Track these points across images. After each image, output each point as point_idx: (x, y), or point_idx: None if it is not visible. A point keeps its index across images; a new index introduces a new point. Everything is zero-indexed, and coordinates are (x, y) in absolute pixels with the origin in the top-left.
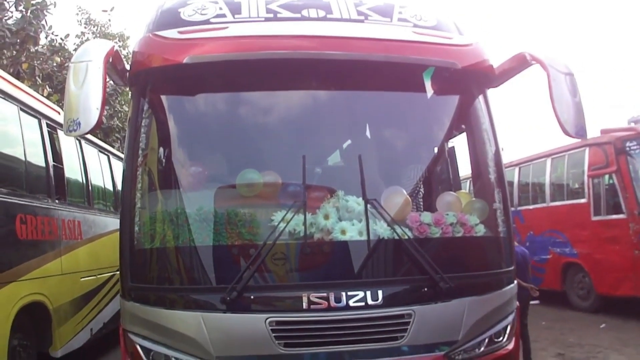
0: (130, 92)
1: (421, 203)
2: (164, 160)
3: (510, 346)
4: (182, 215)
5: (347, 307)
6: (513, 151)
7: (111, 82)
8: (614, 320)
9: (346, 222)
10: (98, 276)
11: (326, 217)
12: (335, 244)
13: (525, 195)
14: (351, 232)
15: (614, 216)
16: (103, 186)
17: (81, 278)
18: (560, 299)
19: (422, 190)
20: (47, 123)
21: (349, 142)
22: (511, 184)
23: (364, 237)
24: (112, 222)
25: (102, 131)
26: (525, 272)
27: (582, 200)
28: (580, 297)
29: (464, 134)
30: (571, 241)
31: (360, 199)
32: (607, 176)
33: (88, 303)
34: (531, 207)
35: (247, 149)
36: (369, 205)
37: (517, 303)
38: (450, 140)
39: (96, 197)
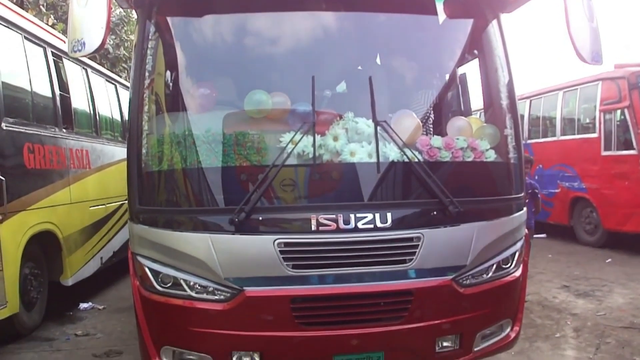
0: (135, 16)
1: (431, 128)
2: (171, 84)
3: (518, 273)
4: (190, 138)
5: (356, 229)
6: (524, 84)
7: (117, 9)
8: (620, 256)
9: (355, 144)
10: (107, 205)
11: (335, 138)
12: (344, 166)
13: (536, 129)
14: (360, 154)
15: (625, 152)
16: (111, 116)
17: (90, 207)
18: (567, 233)
19: (432, 115)
20: (52, 52)
21: (358, 66)
22: (522, 117)
23: (374, 160)
24: (120, 152)
25: (108, 61)
26: (530, 206)
27: (593, 135)
28: (587, 231)
29: (477, 61)
30: (580, 176)
31: (370, 121)
32: (619, 111)
33: (97, 232)
34: (541, 140)
35: (255, 71)
36: (378, 128)
37: (527, 230)
38: (462, 67)
39: (104, 126)
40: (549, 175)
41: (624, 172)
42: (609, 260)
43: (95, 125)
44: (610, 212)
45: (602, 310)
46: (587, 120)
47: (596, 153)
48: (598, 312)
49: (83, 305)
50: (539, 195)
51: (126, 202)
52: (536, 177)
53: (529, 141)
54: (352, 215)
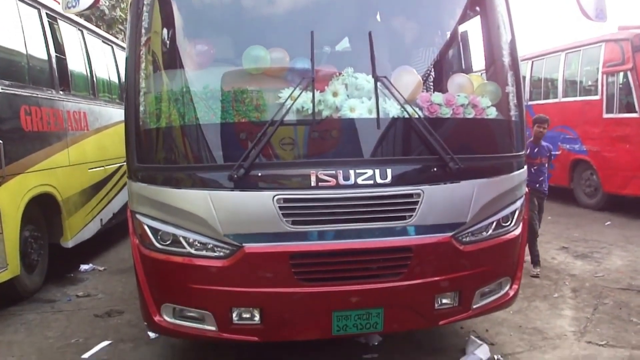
0: None
1: (432, 85)
2: (167, 42)
3: (517, 231)
4: (188, 94)
5: (355, 185)
6: (526, 46)
7: None
8: (619, 219)
9: (355, 99)
10: (106, 167)
11: (335, 94)
12: (343, 121)
13: (537, 90)
14: (360, 109)
15: (626, 115)
16: (108, 78)
17: (89, 169)
18: (567, 195)
19: (433, 72)
20: (46, 13)
21: (358, 23)
22: (523, 78)
23: (373, 115)
24: (118, 114)
25: (105, 23)
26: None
27: (595, 98)
28: (587, 194)
29: (478, 18)
30: (581, 138)
31: (370, 76)
32: (622, 74)
33: (97, 194)
34: (542, 102)
35: (253, 26)
36: (379, 83)
37: (527, 189)
38: (464, 25)
39: (101, 88)
40: (549, 137)
41: (626, 135)
42: (609, 223)
43: (92, 87)
44: (611, 175)
45: (601, 272)
46: (589, 83)
47: (598, 116)
48: (596, 274)
49: (84, 267)
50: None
51: (125, 164)
52: None
53: (530, 102)
54: (351, 171)
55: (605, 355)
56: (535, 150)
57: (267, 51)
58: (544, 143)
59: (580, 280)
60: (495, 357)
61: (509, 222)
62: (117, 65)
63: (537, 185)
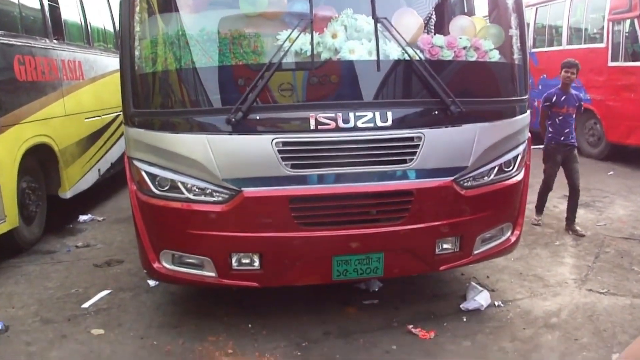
0: None
1: (433, 27)
2: None
3: (519, 177)
4: (184, 38)
5: (355, 128)
6: None
7: None
8: (622, 168)
9: (355, 41)
10: (102, 117)
11: (334, 36)
12: (343, 63)
13: (541, 38)
14: (360, 51)
15: (632, 63)
16: (103, 27)
17: (85, 119)
18: None
19: (435, 14)
20: None
21: None
22: (527, 25)
23: (374, 57)
24: (114, 63)
25: None
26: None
27: (600, 45)
28: (590, 143)
29: None
30: (585, 87)
31: (370, 17)
32: (628, 21)
33: (94, 144)
34: (546, 49)
35: None
36: (379, 25)
37: (529, 134)
38: None
39: (96, 37)
40: (553, 85)
41: (631, 84)
42: (611, 172)
43: (87, 36)
44: (614, 125)
45: (602, 221)
46: (595, 30)
47: (603, 64)
48: (598, 223)
49: (82, 218)
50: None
51: (121, 113)
52: (540, 87)
53: (533, 50)
54: (351, 114)
55: (606, 303)
56: (563, 99)
57: None
58: (573, 91)
59: (582, 229)
60: (496, 303)
61: (511, 167)
62: (112, 14)
63: (562, 139)
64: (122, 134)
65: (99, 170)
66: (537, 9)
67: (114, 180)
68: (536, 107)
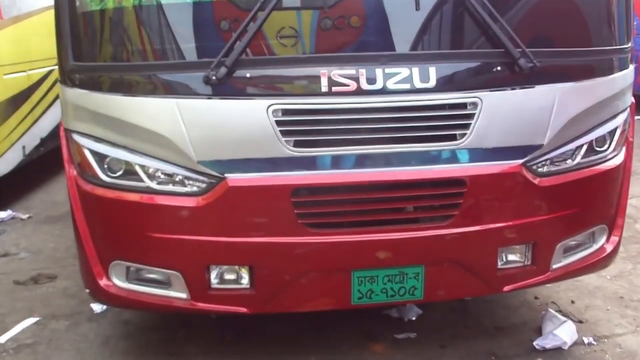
0: None
1: None
2: None
3: (619, 160)
4: None
5: (385, 91)
6: None
7: None
8: None
9: None
10: (29, 73)
11: None
12: (367, 0)
13: None
14: None
15: None
16: None
17: (4, 75)
18: None
19: None
20: None
21: None
22: None
23: None
24: None
25: None
26: None
27: None
28: None
29: None
30: None
31: None
32: None
33: (16, 111)
34: None
35: None
36: None
37: (633, 99)
38: None
39: None
40: None
41: None
42: None
43: None
44: None
45: None
46: None
47: None
48: None
49: (0, 215)
50: None
51: (57, 68)
52: None
53: None
54: (379, 71)
55: None
56: None
57: None
58: None
59: None
60: (585, 340)
61: (606, 145)
62: None
63: None
64: (56, 98)
65: (24, 147)
66: None
67: (45, 162)
68: None
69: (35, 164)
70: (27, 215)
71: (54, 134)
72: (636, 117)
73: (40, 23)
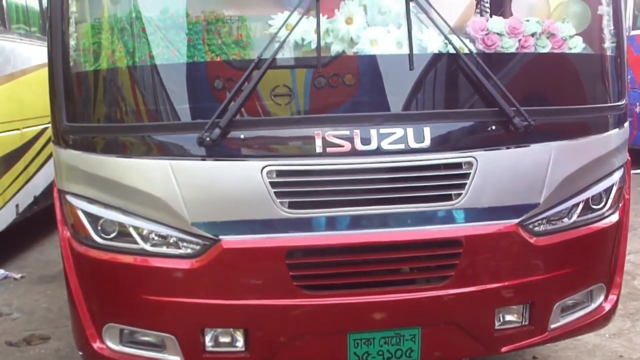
0: None
1: (488, 4)
2: None
3: (615, 217)
4: (139, 22)
5: (379, 152)
6: None
7: None
8: None
9: (378, 28)
10: (23, 131)
11: (349, 21)
12: (361, 60)
13: None
14: (385, 42)
15: None
16: (24, 1)
17: None
18: None
19: None
20: None
21: None
22: None
23: (405, 51)
24: (40, 54)
25: None
26: None
27: None
28: None
29: None
30: None
31: None
32: None
33: (10, 169)
34: None
35: None
36: (412, 4)
37: (628, 156)
38: None
39: (15, 16)
40: None
41: None
42: None
43: (0, 14)
44: None
45: None
46: None
47: None
48: None
49: None
50: None
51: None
52: None
53: (633, 32)
54: (373, 131)
55: None
56: None
57: None
58: None
59: None
60: None
61: (603, 203)
62: None
63: None
64: (50, 156)
65: (17, 206)
66: None
67: (38, 221)
68: (637, 115)
69: (28, 222)
70: (20, 275)
71: (48, 191)
72: (634, 172)
73: (35, 80)
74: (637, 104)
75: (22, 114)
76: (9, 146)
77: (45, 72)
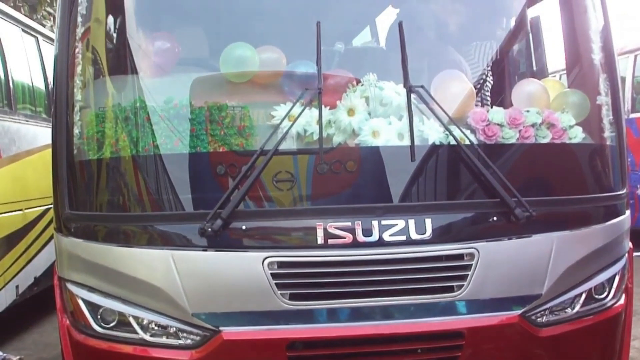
0: None
1: (489, 95)
2: (114, 34)
3: (619, 307)
4: (143, 112)
5: (381, 243)
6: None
7: None
8: None
9: (380, 119)
10: (25, 211)
11: (351, 112)
12: (363, 151)
13: None
14: (387, 134)
15: None
16: (30, 82)
17: (1, 214)
18: None
19: (490, 77)
20: None
21: (384, 11)
22: (622, 80)
23: (406, 142)
24: (45, 134)
25: (26, 4)
26: None
27: None
28: None
29: None
30: None
31: (401, 86)
32: None
33: (11, 250)
34: None
35: (235, 15)
36: (413, 96)
37: (630, 244)
38: (534, 7)
39: (21, 97)
40: None
41: None
42: None
43: (7, 95)
44: None
45: None
46: None
47: None
48: None
49: None
50: None
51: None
52: None
53: (632, 115)
54: (375, 223)
55: None
56: None
57: (255, 50)
58: None
59: None
60: None
61: (606, 293)
62: (43, 64)
63: None
64: (52, 237)
65: (17, 287)
66: (636, 56)
67: (38, 302)
68: (639, 197)
69: (28, 303)
70: (17, 358)
71: (49, 272)
72: (635, 254)
73: (39, 161)
74: (638, 186)
75: (25, 194)
76: (11, 227)
77: (49, 153)
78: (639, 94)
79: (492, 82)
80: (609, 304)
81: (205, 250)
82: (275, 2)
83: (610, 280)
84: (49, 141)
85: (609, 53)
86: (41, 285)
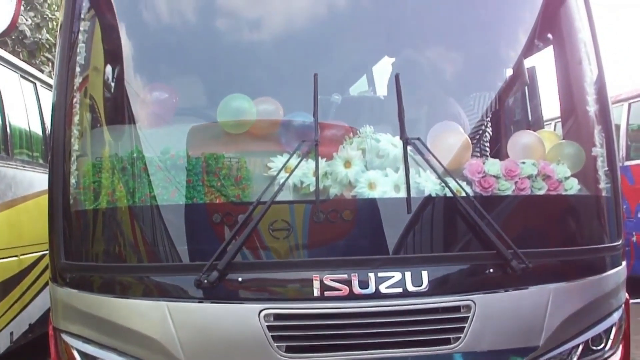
0: None
1: (486, 146)
2: (112, 84)
3: (616, 357)
4: (140, 162)
5: (377, 295)
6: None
7: None
8: None
9: (376, 171)
10: (21, 257)
11: (347, 164)
12: (360, 203)
13: (638, 145)
14: (384, 186)
15: None
16: (27, 128)
17: None
18: None
19: (486, 128)
20: None
21: (380, 61)
22: (617, 127)
23: (402, 194)
24: (41, 180)
25: (25, 49)
26: None
27: None
28: None
29: (551, 48)
30: None
31: (398, 138)
32: None
33: (6, 296)
34: None
35: (232, 66)
36: (409, 148)
37: (627, 295)
38: (530, 58)
39: (18, 143)
40: None
41: None
42: None
43: (4, 141)
44: None
45: None
46: None
47: None
48: None
49: None
50: None
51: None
52: (639, 215)
53: (627, 163)
54: (371, 275)
55: None
56: None
57: (252, 102)
58: None
59: None
60: None
61: (602, 344)
62: (40, 110)
63: None
64: (47, 283)
65: (12, 334)
66: (630, 105)
67: (33, 348)
68: (635, 244)
69: (23, 350)
70: None
71: (43, 319)
72: (633, 301)
73: (35, 207)
74: (634, 233)
75: (21, 240)
76: (6, 273)
77: (45, 199)
78: (633, 141)
79: (488, 132)
80: (606, 355)
81: (202, 302)
82: (272, 53)
83: (608, 331)
84: (46, 187)
85: (604, 104)
86: (36, 332)
